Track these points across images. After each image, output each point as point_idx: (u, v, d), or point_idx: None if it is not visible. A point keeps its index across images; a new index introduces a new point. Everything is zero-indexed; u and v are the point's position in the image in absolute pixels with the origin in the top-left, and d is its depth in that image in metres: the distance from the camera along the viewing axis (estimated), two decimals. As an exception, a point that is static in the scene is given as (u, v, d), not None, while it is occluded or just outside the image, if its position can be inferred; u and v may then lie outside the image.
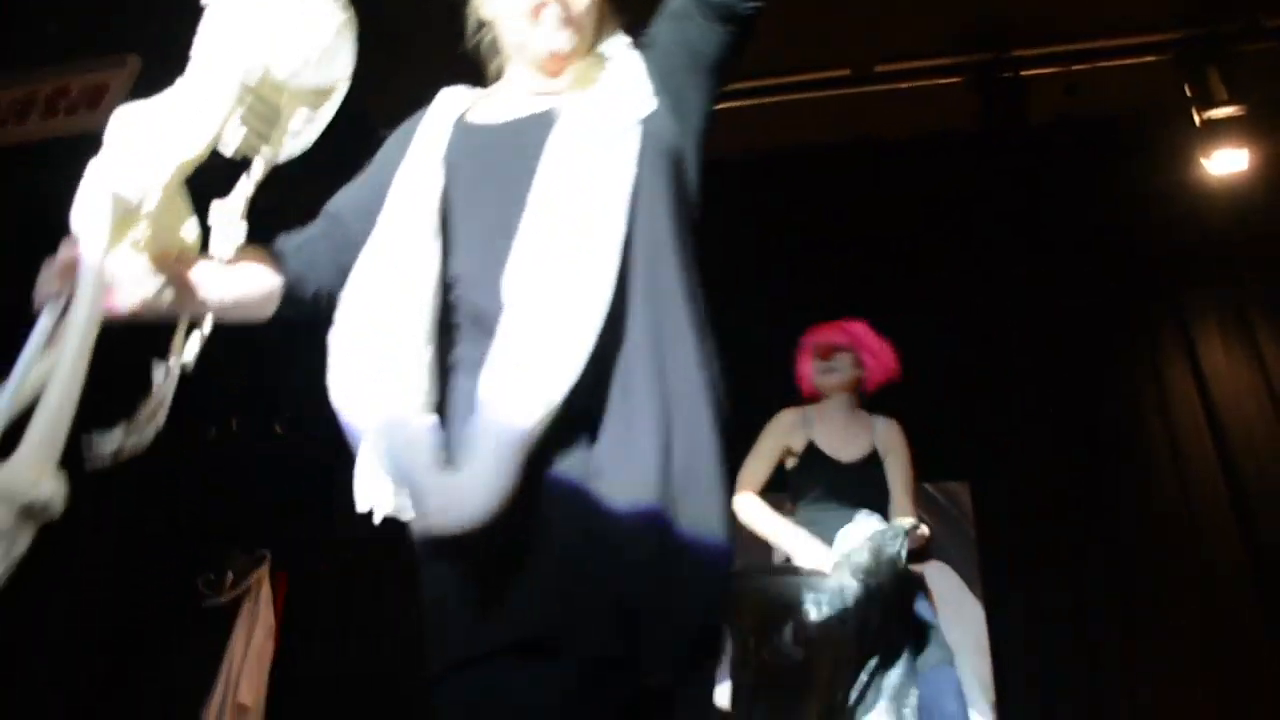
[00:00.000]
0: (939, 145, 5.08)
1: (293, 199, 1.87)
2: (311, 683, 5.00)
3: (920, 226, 4.99)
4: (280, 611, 5.00)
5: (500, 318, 1.35)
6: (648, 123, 1.46)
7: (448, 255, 1.46)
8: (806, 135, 5.19)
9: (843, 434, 3.22)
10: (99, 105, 4.28)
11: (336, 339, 1.47)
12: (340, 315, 1.48)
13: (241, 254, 1.52)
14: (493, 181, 1.48)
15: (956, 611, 4.43)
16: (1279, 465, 4.60)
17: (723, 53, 1.57)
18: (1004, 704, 4.40)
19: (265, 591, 4.94)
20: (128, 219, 1.39)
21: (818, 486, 3.14)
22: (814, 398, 3.38)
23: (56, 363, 1.26)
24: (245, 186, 1.51)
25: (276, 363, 5.71)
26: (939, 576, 4.52)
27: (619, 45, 1.61)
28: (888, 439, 3.21)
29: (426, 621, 1.39)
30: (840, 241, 5.12)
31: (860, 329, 3.35)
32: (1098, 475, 4.79)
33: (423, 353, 1.43)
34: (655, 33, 1.61)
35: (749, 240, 5.14)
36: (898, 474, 3.17)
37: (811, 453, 3.19)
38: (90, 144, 1.43)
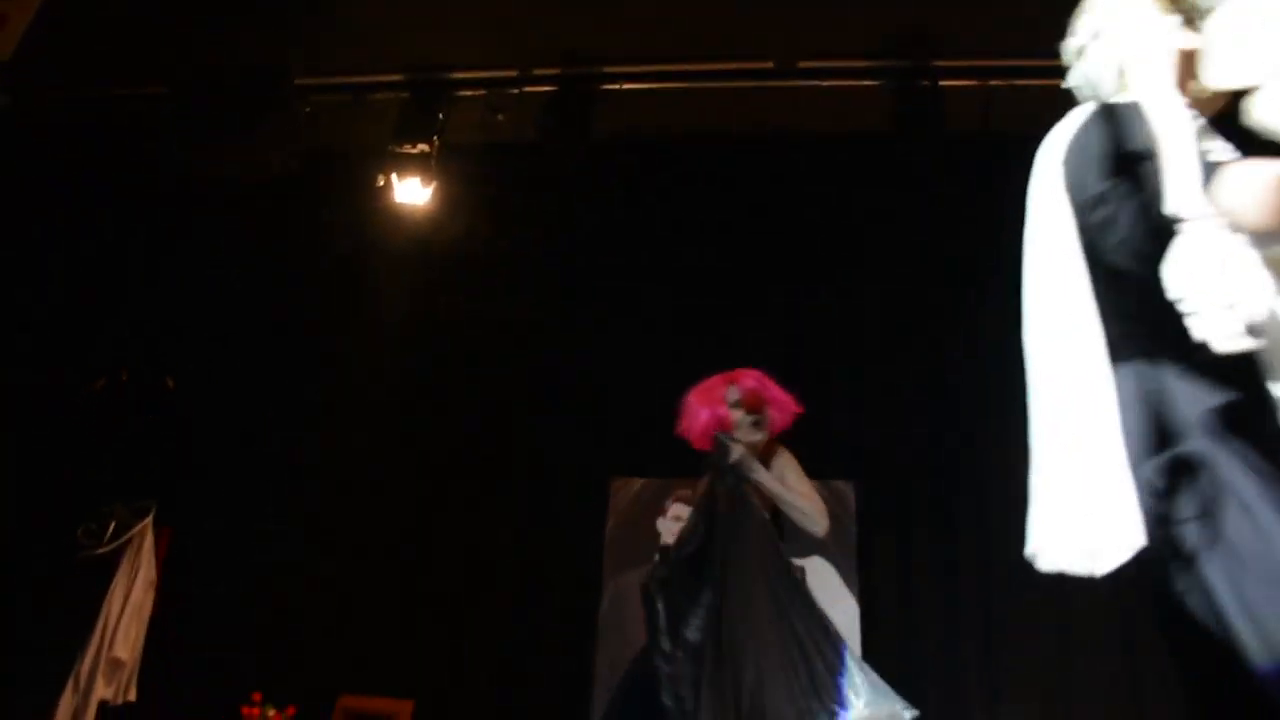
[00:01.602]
0: (854, 145, 5.18)
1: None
2: (189, 639, 4.96)
3: (827, 222, 5.07)
4: (161, 566, 4.91)
5: None
6: None
7: None
8: (724, 123, 5.24)
9: None
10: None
11: None
12: None
13: None
14: None
15: (832, 605, 4.57)
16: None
17: None
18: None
19: (148, 545, 4.84)
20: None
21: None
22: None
23: None
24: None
25: (171, 317, 5.61)
26: (819, 571, 4.68)
27: None
28: (780, 464, 3.22)
29: None
30: (748, 229, 5.18)
31: (770, 383, 3.30)
32: (979, 475, 4.96)
33: None
34: None
35: (662, 219, 5.19)
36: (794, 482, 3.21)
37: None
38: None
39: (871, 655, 4.56)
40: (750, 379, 3.24)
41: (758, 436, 3.19)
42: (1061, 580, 4.45)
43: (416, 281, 5.65)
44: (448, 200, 5.18)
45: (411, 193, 5.04)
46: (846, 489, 4.96)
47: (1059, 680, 4.54)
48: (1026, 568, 4.52)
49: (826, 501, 4.83)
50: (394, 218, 5.16)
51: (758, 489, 3.07)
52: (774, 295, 5.46)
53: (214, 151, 4.64)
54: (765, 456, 3.22)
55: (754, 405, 3.17)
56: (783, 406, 3.26)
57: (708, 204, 5.18)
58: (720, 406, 3.19)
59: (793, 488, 3.11)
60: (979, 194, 5.03)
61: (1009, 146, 4.92)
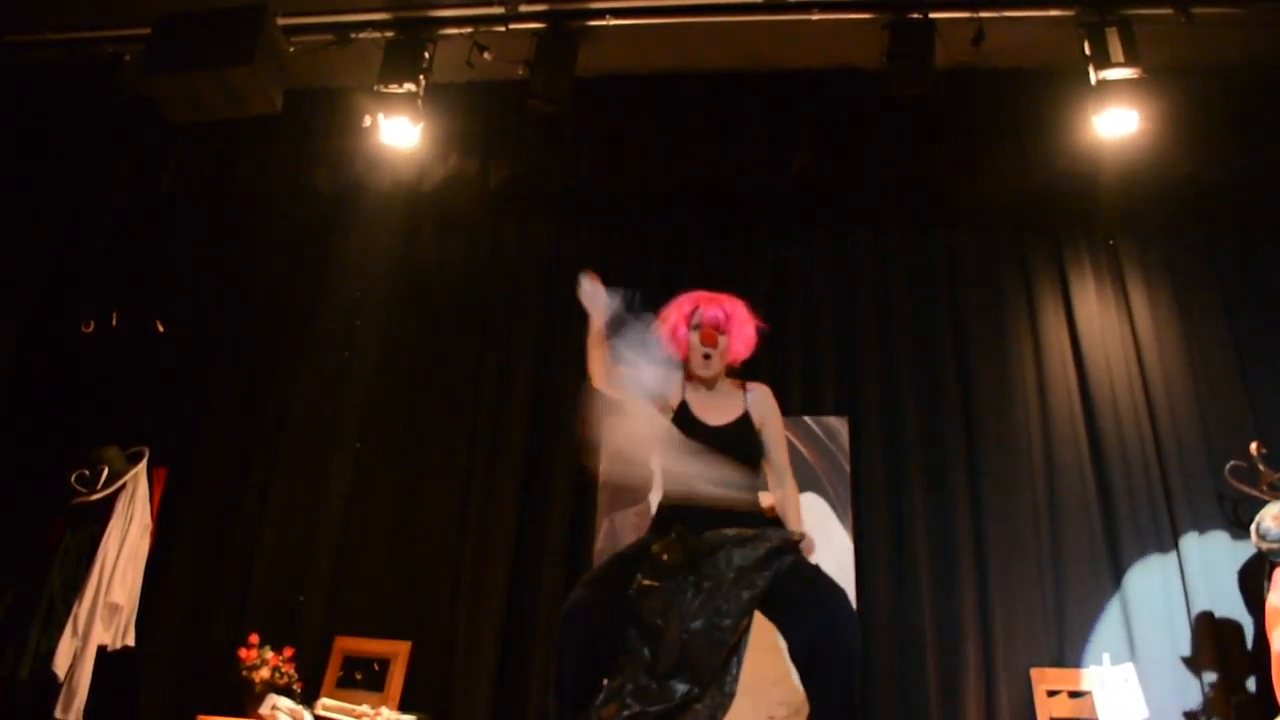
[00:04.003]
0: (844, 79, 5.15)
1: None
2: (187, 583, 4.98)
3: (818, 158, 5.04)
4: (157, 510, 4.92)
5: None
6: None
7: None
8: (714, 59, 5.19)
9: (713, 399, 3.24)
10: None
11: None
12: None
13: None
14: None
15: (826, 542, 4.62)
16: (1133, 408, 4.92)
17: None
18: (868, 633, 4.62)
19: (141, 490, 4.84)
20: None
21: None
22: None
23: None
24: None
25: (160, 259, 5.57)
26: (812, 507, 4.72)
27: None
28: (762, 409, 3.23)
29: None
30: (738, 165, 5.15)
31: (739, 314, 3.29)
32: (969, 411, 5.01)
33: None
34: None
35: (651, 156, 5.17)
36: (775, 445, 3.22)
37: (684, 412, 3.18)
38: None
39: (865, 590, 4.65)
40: (717, 309, 3.23)
41: (708, 373, 3.21)
42: (1052, 512, 4.58)
43: (403, 221, 5.63)
44: (435, 139, 5.13)
45: (399, 132, 4.97)
46: (840, 425, 4.99)
47: (1054, 605, 4.61)
48: (1017, 499, 4.65)
49: (821, 441, 4.94)
50: (380, 157, 5.11)
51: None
52: (763, 230, 5.46)
53: (192, 91, 4.56)
54: (737, 393, 3.23)
55: (710, 337, 3.18)
56: (744, 343, 3.26)
57: (697, 141, 5.13)
58: (682, 326, 3.23)
59: (772, 433, 3.20)
60: (969, 127, 5.05)
61: (1000, 79, 5.01)
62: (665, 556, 2.88)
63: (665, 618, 2.80)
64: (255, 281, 5.61)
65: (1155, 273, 5.20)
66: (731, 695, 2.80)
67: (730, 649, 2.79)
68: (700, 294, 3.33)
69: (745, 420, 3.16)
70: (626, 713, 2.76)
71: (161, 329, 4.94)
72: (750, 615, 2.84)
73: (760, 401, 3.25)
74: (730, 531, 2.92)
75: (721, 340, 3.20)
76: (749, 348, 3.33)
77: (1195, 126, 4.87)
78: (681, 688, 2.75)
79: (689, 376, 3.27)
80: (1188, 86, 4.87)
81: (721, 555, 2.88)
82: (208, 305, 5.48)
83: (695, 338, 3.21)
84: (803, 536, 3.01)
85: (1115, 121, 4.69)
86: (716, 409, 3.19)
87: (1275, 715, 3.90)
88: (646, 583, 2.87)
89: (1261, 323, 5.01)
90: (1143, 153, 4.80)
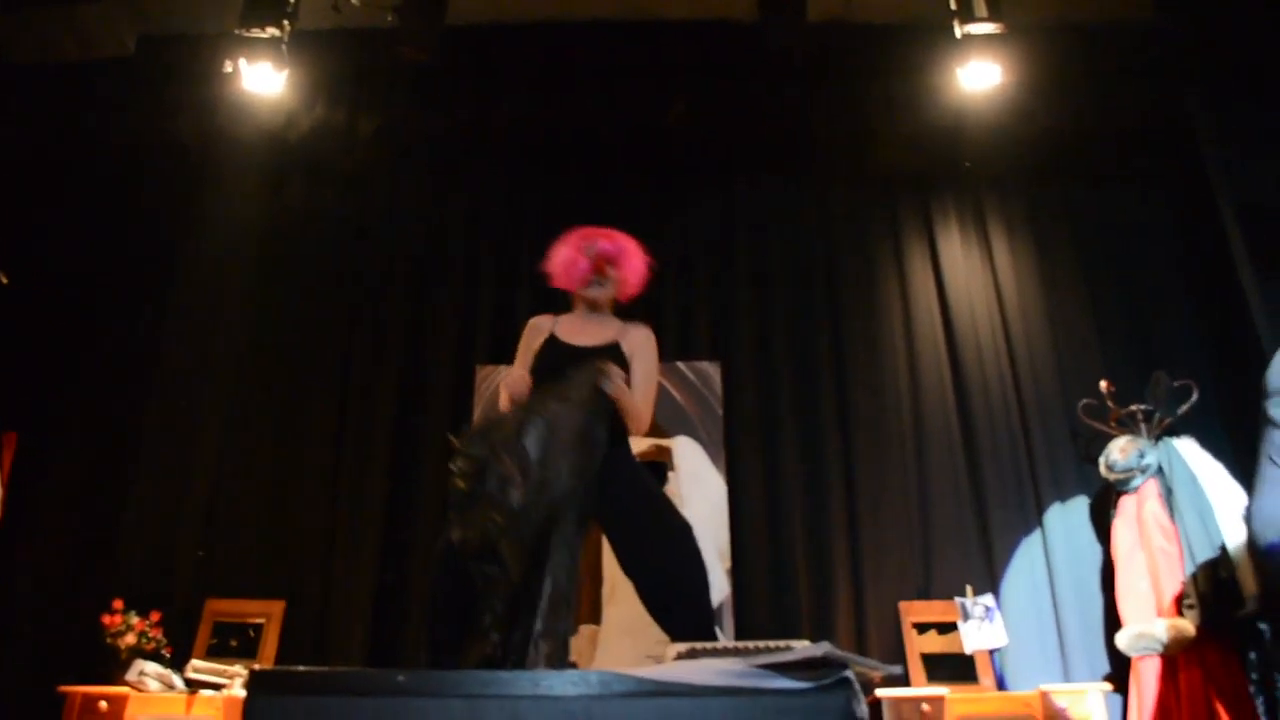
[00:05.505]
0: (721, 31, 5.17)
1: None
2: (47, 550, 4.77)
3: (691, 110, 5.07)
4: (7, 478, 4.68)
5: None
6: None
7: None
8: (591, 8, 5.16)
9: (585, 327, 3.22)
10: None
11: None
12: None
13: None
14: None
15: (700, 483, 4.69)
16: (995, 351, 5.13)
17: None
18: (740, 569, 4.73)
19: (-9, 453, 4.62)
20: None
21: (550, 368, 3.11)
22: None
23: None
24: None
25: (6, 211, 5.27)
26: (685, 451, 4.78)
27: None
28: (636, 341, 3.21)
29: None
30: (612, 117, 5.14)
31: (631, 249, 3.28)
32: (840, 356, 5.15)
33: None
34: None
35: (521, 106, 5.12)
36: (641, 380, 3.18)
37: (550, 341, 3.16)
38: None
39: (739, 532, 4.75)
40: (610, 242, 3.23)
41: (598, 292, 3.19)
42: (920, 452, 4.73)
43: (270, 173, 5.46)
44: (301, 88, 4.97)
45: (263, 80, 4.80)
46: (713, 369, 5.07)
47: (920, 545, 4.78)
48: (886, 440, 4.79)
49: (694, 385, 5.00)
50: (242, 106, 4.93)
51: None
52: (639, 179, 5.48)
53: (37, 30, 4.33)
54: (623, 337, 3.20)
55: (602, 266, 3.18)
56: (635, 275, 3.25)
57: (574, 90, 5.11)
58: (579, 257, 3.20)
59: (639, 368, 3.10)
60: (840, 79, 5.14)
61: (871, 33, 5.11)
62: (455, 467, 2.70)
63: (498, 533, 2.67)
64: (116, 236, 5.36)
65: (1016, 222, 5.42)
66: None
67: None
68: (594, 229, 3.30)
69: (615, 348, 3.12)
70: (489, 649, 2.65)
71: (5, 280, 4.67)
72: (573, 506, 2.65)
73: (637, 336, 3.17)
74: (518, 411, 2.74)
75: (611, 271, 3.20)
76: (640, 281, 3.28)
77: (1055, 83, 5.05)
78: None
79: (575, 303, 3.26)
80: (1049, 44, 5.04)
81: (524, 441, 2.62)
82: (62, 261, 5.21)
83: (588, 265, 3.18)
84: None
85: (979, 75, 4.83)
86: (588, 333, 3.15)
87: (1119, 630, 4.13)
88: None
89: (1113, 271, 5.27)
90: (1005, 107, 4.97)
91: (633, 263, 3.23)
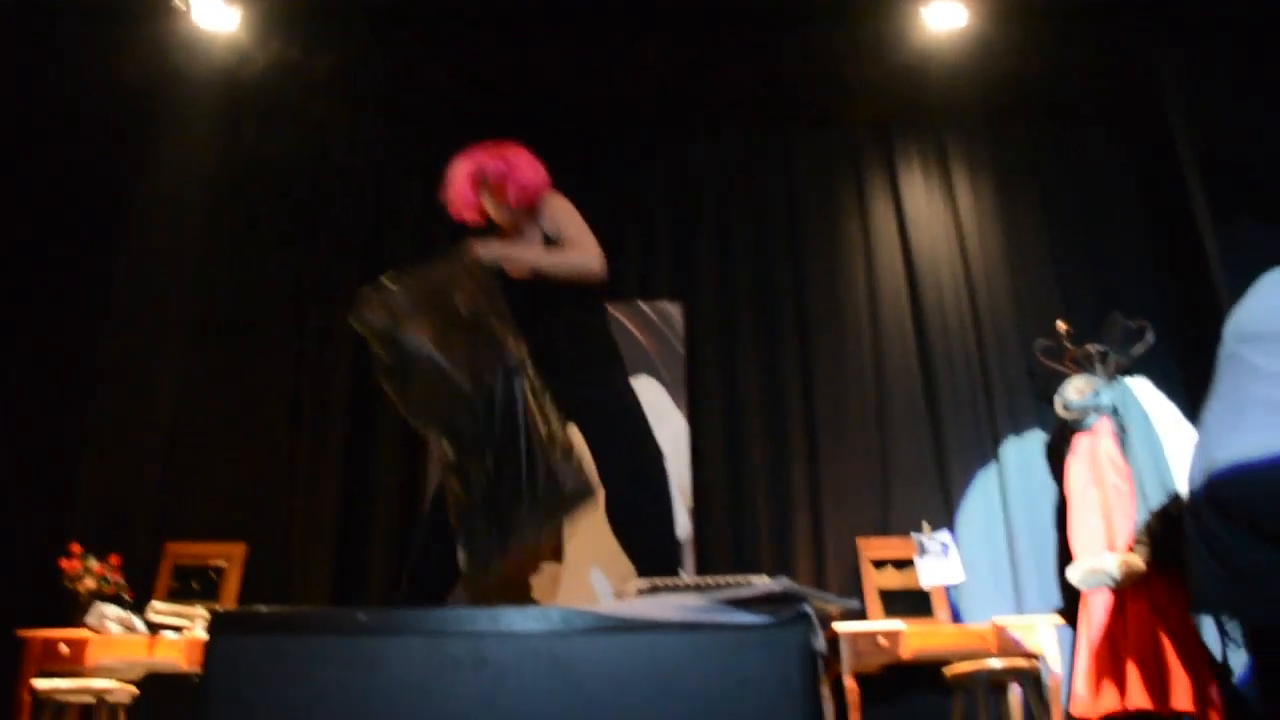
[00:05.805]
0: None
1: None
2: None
3: (656, 51, 5.01)
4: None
5: None
6: None
7: None
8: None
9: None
10: None
11: None
12: None
13: None
14: None
15: (662, 422, 4.70)
16: (955, 290, 5.18)
17: None
18: (701, 508, 4.78)
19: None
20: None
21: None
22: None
23: None
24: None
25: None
26: (646, 390, 4.79)
27: None
28: (550, 213, 3.03)
29: None
30: (576, 56, 5.07)
31: (520, 159, 3.15)
32: (802, 296, 5.18)
33: None
34: None
35: (483, 47, 5.03)
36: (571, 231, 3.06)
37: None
38: None
39: (700, 471, 4.79)
40: (499, 162, 3.00)
41: (500, 215, 3.05)
42: (880, 391, 4.78)
43: (223, 113, 5.30)
44: (255, 24, 4.84)
45: (214, 15, 4.67)
46: (675, 309, 5.07)
47: (879, 482, 4.85)
48: (847, 377, 4.82)
49: (655, 325, 5.00)
50: (195, 42, 4.79)
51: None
52: (602, 122, 5.42)
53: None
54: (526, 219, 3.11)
55: (500, 191, 2.99)
56: (526, 185, 3.00)
57: (530, 35, 5.01)
58: (470, 191, 3.06)
59: (562, 233, 2.97)
60: (805, 20, 5.07)
61: None
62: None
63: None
64: (65, 178, 5.21)
65: (979, 163, 5.43)
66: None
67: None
68: (478, 148, 3.10)
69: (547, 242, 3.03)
70: (470, 569, 2.61)
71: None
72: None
73: (548, 209, 3.05)
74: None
75: (509, 190, 3.00)
76: (541, 183, 3.05)
77: (1019, 24, 5.03)
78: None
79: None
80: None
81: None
82: (8, 203, 5.05)
83: (486, 197, 3.07)
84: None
85: (944, 15, 4.81)
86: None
87: (1070, 564, 4.22)
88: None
89: (1072, 212, 5.31)
90: (969, 47, 4.96)
91: (528, 173, 3.02)
